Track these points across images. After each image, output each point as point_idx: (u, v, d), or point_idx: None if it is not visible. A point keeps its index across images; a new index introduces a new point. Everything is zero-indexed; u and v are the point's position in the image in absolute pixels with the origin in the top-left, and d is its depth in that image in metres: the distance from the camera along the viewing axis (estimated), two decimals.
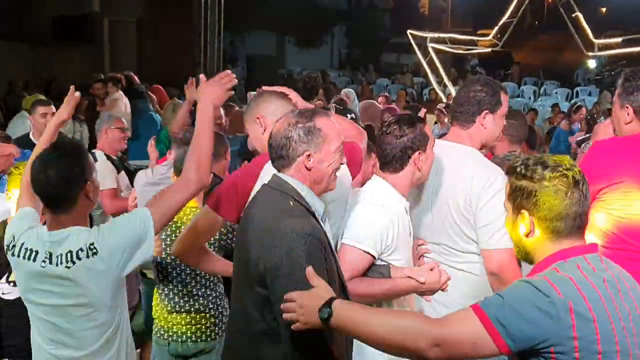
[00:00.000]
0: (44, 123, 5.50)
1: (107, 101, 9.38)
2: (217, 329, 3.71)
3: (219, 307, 3.73)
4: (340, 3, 33.71)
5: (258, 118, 3.03)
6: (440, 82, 12.53)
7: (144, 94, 9.92)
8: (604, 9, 32.34)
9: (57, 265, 2.50)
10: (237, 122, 6.43)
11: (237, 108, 7.86)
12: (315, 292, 2.12)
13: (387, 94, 12.77)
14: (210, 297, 3.72)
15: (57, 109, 8.65)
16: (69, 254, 2.50)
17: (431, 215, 3.01)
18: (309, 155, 2.40)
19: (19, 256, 2.58)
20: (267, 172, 2.84)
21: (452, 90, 12.57)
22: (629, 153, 2.81)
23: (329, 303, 2.06)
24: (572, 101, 18.29)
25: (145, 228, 2.58)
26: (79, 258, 2.50)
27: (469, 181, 2.87)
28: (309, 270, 2.18)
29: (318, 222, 2.43)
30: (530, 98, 19.98)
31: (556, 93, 20.38)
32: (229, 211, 2.93)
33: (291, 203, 2.40)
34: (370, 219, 2.76)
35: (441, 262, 2.92)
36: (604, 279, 1.95)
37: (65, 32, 16.00)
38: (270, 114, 3.01)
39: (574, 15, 11.72)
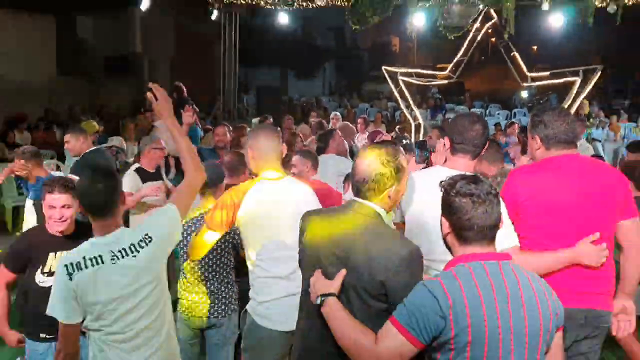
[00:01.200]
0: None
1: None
2: (227, 308, 3.70)
3: (229, 291, 3.72)
4: (330, 44, 33.76)
5: (250, 148, 3.13)
6: (408, 106, 12.49)
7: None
8: (535, 47, 32.39)
9: (123, 257, 2.47)
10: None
11: (248, 130, 7.87)
12: (326, 283, 2.14)
13: (365, 116, 12.81)
14: (223, 282, 3.71)
15: (105, 129, 8.38)
16: (132, 247, 2.49)
17: (437, 239, 2.77)
18: (394, 188, 2.27)
19: (86, 267, 2.43)
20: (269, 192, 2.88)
21: (418, 113, 12.54)
22: (534, 175, 2.77)
23: (326, 295, 2.11)
24: (510, 120, 18.35)
25: (176, 220, 2.64)
26: (141, 247, 2.50)
27: None
28: (342, 272, 2.14)
29: None
30: None
31: (498, 114, 20.33)
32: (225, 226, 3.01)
33: (392, 230, 2.28)
34: None
35: None
36: (493, 284, 1.92)
37: (114, 68, 16.01)
38: (257, 149, 3.08)
39: (512, 54, 11.70)
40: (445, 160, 2.98)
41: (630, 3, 8.84)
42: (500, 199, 2.07)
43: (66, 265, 2.43)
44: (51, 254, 3.24)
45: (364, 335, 2.01)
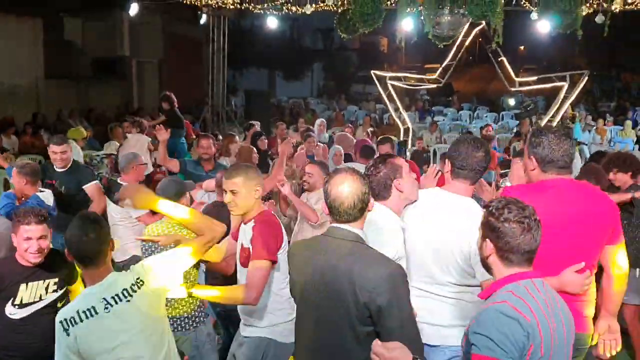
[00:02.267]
0: (55, 159, 5.25)
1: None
2: (192, 322, 3.62)
3: (193, 306, 3.63)
4: (318, 44, 33.74)
5: (257, 189, 3.04)
6: (397, 109, 12.59)
7: (183, 124, 9.62)
8: (522, 47, 32.66)
9: (117, 303, 2.42)
10: (245, 155, 6.49)
11: (237, 138, 7.88)
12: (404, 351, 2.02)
13: (350, 125, 12.95)
14: (187, 297, 3.56)
15: (94, 132, 8.24)
16: (124, 292, 2.44)
17: (434, 261, 2.82)
18: (370, 202, 2.36)
19: (81, 321, 2.38)
20: None
21: (406, 116, 12.67)
22: (527, 197, 2.61)
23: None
24: (499, 123, 18.54)
25: (173, 270, 2.61)
26: (134, 291, 2.45)
27: (474, 229, 2.62)
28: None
29: None
30: (466, 120, 19.89)
31: (486, 117, 20.32)
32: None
33: (374, 251, 2.31)
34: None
35: (441, 295, 2.82)
36: (545, 300, 2.05)
37: (102, 71, 15.94)
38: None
39: (500, 59, 11.86)
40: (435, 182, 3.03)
41: (617, 10, 9.01)
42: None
43: (61, 322, 2.40)
44: (22, 285, 3.15)
45: None
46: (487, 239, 2.14)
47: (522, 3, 10.18)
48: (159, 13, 16.23)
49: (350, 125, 13.00)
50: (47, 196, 4.57)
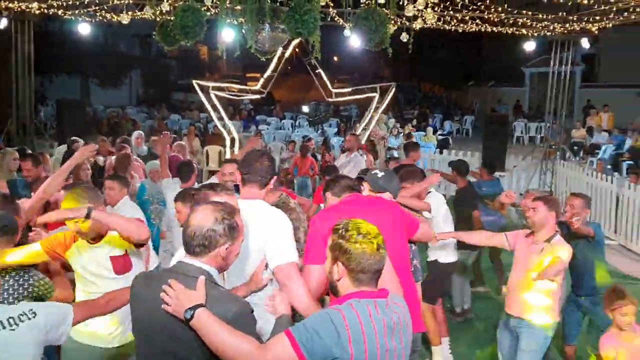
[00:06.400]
0: None
1: None
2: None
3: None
4: (135, 50, 32.33)
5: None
6: (221, 119, 12.56)
7: None
8: (336, 59, 34.49)
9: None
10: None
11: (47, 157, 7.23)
12: (192, 295, 2.08)
13: (171, 134, 12.54)
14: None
15: None
16: (10, 320, 2.27)
17: (247, 263, 2.78)
18: (227, 248, 2.24)
19: None
20: None
21: (231, 126, 12.67)
22: (341, 211, 3.02)
23: (195, 307, 2.04)
24: (319, 131, 19.39)
25: (65, 316, 2.47)
26: (21, 321, 2.28)
27: (268, 226, 2.79)
28: (201, 279, 2.13)
29: None
30: (289, 129, 20.51)
31: (307, 125, 21.29)
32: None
33: (221, 289, 2.24)
34: None
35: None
36: (383, 320, 2.10)
37: None
38: None
39: (317, 71, 12.41)
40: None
41: (418, 28, 9.93)
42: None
43: None
44: None
45: (246, 340, 2.01)
46: (337, 262, 2.16)
47: (336, 20, 10.77)
48: None
49: (171, 134, 12.56)
50: None
